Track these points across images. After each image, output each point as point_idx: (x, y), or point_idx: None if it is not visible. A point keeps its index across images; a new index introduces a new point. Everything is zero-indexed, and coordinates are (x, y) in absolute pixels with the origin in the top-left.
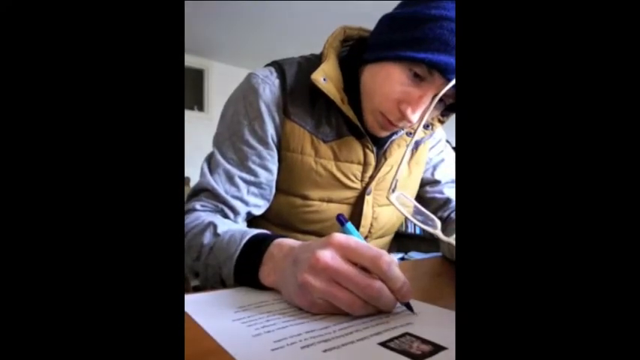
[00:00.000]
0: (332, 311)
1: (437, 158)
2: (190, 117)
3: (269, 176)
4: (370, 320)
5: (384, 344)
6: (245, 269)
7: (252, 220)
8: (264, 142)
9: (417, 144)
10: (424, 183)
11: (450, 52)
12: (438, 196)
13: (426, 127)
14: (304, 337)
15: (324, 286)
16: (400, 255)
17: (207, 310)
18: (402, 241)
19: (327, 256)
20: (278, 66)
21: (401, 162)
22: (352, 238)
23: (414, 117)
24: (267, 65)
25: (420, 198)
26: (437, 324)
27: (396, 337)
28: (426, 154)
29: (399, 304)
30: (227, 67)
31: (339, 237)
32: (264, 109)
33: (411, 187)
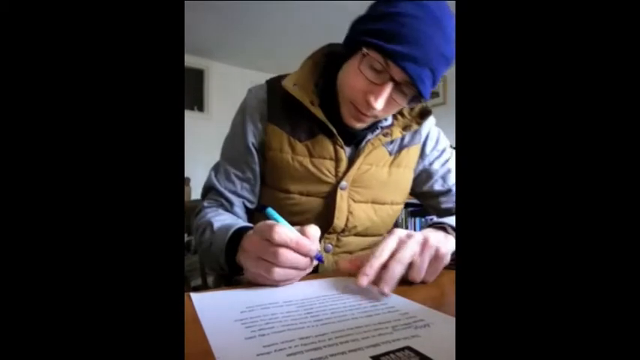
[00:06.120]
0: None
1: (443, 169)
2: (190, 117)
3: (254, 174)
4: (374, 329)
5: (376, 358)
6: (230, 258)
7: (253, 214)
8: (248, 147)
9: (400, 149)
10: (436, 194)
11: (401, 41)
12: (453, 205)
13: (404, 128)
14: (296, 343)
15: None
16: None
17: (215, 309)
18: None
19: (252, 240)
20: (271, 80)
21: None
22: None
23: (378, 104)
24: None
25: (436, 210)
26: (446, 337)
27: (393, 351)
28: (413, 159)
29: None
30: (227, 67)
31: (259, 224)
32: (247, 119)
33: (391, 188)
